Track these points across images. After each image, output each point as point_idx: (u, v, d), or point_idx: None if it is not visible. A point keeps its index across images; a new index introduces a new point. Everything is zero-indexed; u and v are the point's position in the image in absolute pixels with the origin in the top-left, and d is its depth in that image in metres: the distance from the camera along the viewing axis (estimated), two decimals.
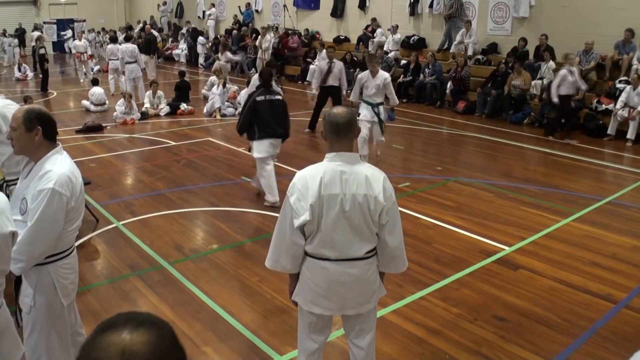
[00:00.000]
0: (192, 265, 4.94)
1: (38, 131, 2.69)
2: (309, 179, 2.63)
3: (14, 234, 2.34)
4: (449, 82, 12.75)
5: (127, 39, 14.11)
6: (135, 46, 13.41)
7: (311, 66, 15.44)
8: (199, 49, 20.21)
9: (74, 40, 22.78)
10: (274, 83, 6.90)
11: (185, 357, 1.06)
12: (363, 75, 7.86)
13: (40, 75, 15.18)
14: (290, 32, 17.80)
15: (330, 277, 2.70)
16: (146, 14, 25.54)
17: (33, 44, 20.10)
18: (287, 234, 2.66)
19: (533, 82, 11.60)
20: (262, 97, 6.18)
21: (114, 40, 15.16)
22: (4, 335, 2.39)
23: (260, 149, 6.24)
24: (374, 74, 7.71)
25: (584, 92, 10.23)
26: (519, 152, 9.29)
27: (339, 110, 2.69)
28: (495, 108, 11.72)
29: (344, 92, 10.13)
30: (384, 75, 7.76)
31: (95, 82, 12.64)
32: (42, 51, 15.52)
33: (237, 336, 3.87)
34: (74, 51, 17.12)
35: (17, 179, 3.69)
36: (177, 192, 6.78)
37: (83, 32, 20.81)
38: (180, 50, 21.51)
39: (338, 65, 10.11)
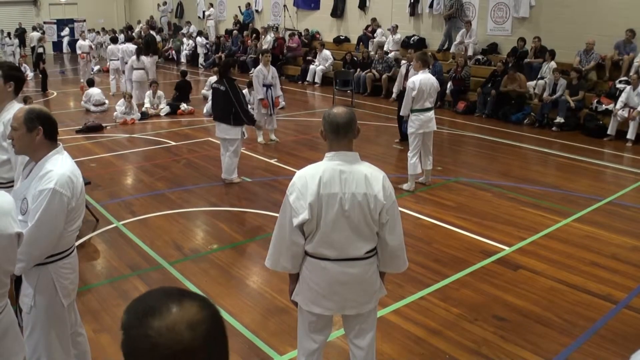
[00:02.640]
0: (192, 265, 4.94)
1: (39, 131, 2.70)
2: (309, 178, 2.63)
3: (19, 235, 2.34)
4: (449, 82, 12.74)
5: (128, 40, 14.13)
6: (135, 46, 13.41)
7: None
8: (199, 49, 20.23)
9: (70, 39, 22.89)
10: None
11: (225, 334, 1.10)
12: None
13: (40, 76, 15.20)
14: (295, 33, 17.80)
15: (330, 277, 2.70)
16: (146, 14, 25.55)
17: (33, 44, 20.15)
18: (287, 233, 2.66)
19: (534, 82, 11.60)
20: (215, 85, 7.23)
21: (114, 40, 15.18)
22: (8, 335, 2.39)
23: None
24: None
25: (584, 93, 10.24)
26: (519, 152, 9.29)
27: (339, 110, 2.68)
28: (495, 108, 11.71)
29: None
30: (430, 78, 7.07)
31: (91, 83, 12.64)
32: (39, 50, 15.56)
33: (237, 336, 3.87)
34: (79, 51, 17.13)
35: (7, 183, 3.70)
36: (177, 192, 6.78)
37: (83, 32, 20.80)
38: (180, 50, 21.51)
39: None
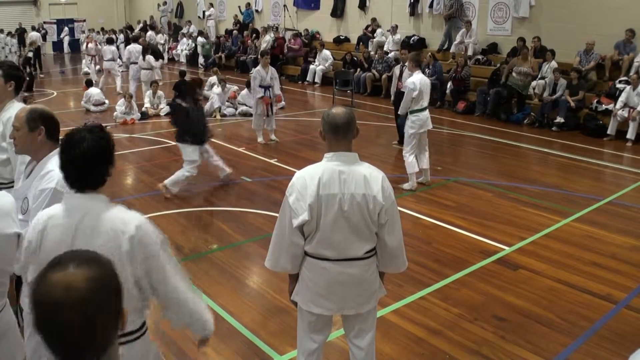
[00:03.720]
0: (192, 265, 4.94)
1: (41, 131, 2.70)
2: (308, 178, 2.63)
3: (19, 236, 2.34)
4: (449, 82, 12.75)
5: (135, 40, 14.19)
6: (141, 47, 13.45)
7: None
8: (199, 49, 20.23)
9: (70, 39, 22.91)
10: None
11: (121, 293, 1.21)
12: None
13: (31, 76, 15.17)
14: (298, 34, 17.80)
15: (329, 277, 2.70)
16: (146, 14, 25.54)
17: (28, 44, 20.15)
18: (287, 233, 2.66)
19: (534, 82, 11.60)
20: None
21: (110, 42, 15.30)
22: (7, 336, 2.39)
23: None
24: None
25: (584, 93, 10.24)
26: (519, 152, 9.29)
27: (338, 110, 2.68)
28: (495, 106, 11.66)
29: None
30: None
31: (89, 84, 12.66)
32: (29, 54, 15.57)
33: (237, 336, 3.87)
34: (91, 52, 17.35)
35: (7, 183, 3.70)
36: (177, 192, 6.78)
37: (83, 31, 20.81)
38: (180, 50, 21.51)
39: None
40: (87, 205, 2.03)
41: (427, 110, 7.18)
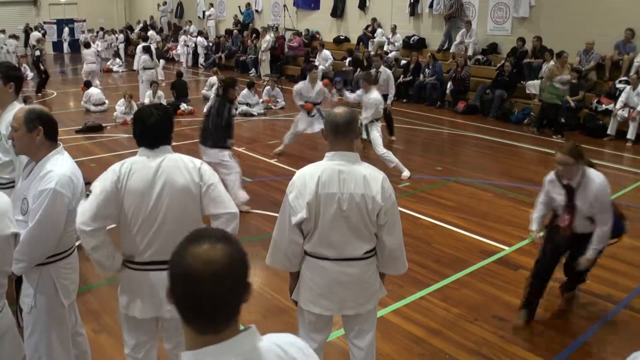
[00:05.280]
0: None
1: (39, 131, 2.70)
2: (308, 177, 2.64)
3: (16, 235, 2.34)
4: (449, 82, 12.75)
5: (144, 39, 14.27)
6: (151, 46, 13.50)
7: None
8: (199, 49, 20.23)
9: (70, 39, 22.95)
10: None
11: (249, 269, 1.28)
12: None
13: (41, 76, 15.21)
14: (298, 33, 17.79)
15: (329, 276, 2.70)
16: (146, 14, 25.54)
17: (33, 44, 20.12)
18: (286, 231, 2.68)
19: (532, 82, 11.59)
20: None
21: (87, 45, 15.55)
22: (6, 337, 2.39)
23: None
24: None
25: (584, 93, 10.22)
26: (519, 152, 9.29)
27: (339, 110, 2.69)
28: (502, 109, 11.62)
29: (389, 102, 9.35)
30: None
31: (88, 84, 12.68)
32: (37, 53, 15.62)
33: None
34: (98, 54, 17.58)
35: (7, 183, 3.70)
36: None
37: (83, 32, 20.81)
38: (180, 50, 21.50)
39: (384, 73, 9.53)
40: (163, 152, 2.70)
41: None
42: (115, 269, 2.71)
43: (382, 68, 9.72)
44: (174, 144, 2.90)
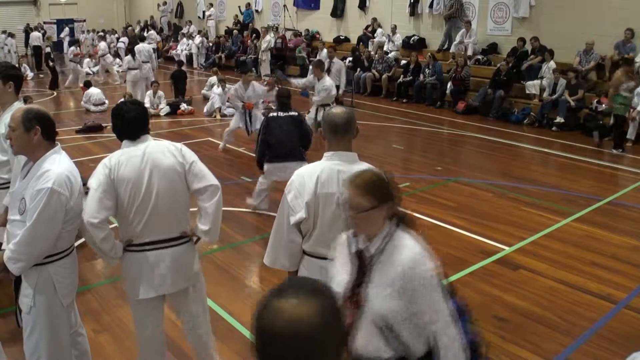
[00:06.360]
0: None
1: (37, 131, 2.70)
2: (306, 177, 2.63)
3: None
4: (449, 82, 12.75)
5: (142, 39, 14.25)
6: (150, 46, 13.48)
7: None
8: (194, 48, 20.26)
9: (70, 39, 22.93)
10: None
11: (343, 330, 1.15)
12: None
13: (51, 74, 15.53)
14: (299, 33, 17.79)
15: (328, 276, 2.69)
16: (146, 14, 25.54)
17: (34, 44, 20.13)
18: (284, 231, 2.68)
19: (532, 82, 11.59)
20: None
21: (142, 39, 15.63)
22: None
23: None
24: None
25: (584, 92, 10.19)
26: (519, 152, 9.29)
27: (337, 110, 2.68)
28: (502, 109, 11.62)
29: (341, 92, 10.15)
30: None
31: (88, 84, 12.68)
32: (47, 50, 15.82)
33: (237, 336, 3.87)
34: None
35: (5, 183, 3.70)
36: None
37: (82, 32, 20.81)
38: (180, 50, 21.50)
39: (337, 64, 10.30)
40: (144, 140, 2.90)
41: None
42: (118, 257, 2.92)
43: (335, 59, 10.58)
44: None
